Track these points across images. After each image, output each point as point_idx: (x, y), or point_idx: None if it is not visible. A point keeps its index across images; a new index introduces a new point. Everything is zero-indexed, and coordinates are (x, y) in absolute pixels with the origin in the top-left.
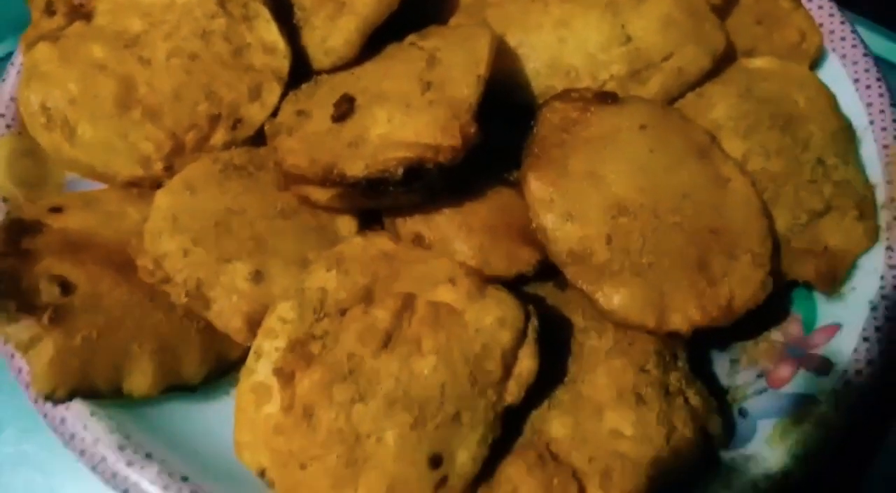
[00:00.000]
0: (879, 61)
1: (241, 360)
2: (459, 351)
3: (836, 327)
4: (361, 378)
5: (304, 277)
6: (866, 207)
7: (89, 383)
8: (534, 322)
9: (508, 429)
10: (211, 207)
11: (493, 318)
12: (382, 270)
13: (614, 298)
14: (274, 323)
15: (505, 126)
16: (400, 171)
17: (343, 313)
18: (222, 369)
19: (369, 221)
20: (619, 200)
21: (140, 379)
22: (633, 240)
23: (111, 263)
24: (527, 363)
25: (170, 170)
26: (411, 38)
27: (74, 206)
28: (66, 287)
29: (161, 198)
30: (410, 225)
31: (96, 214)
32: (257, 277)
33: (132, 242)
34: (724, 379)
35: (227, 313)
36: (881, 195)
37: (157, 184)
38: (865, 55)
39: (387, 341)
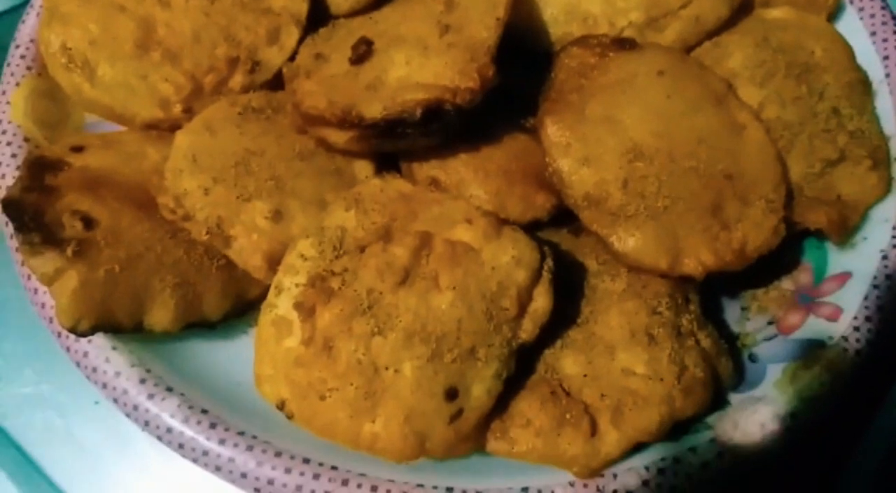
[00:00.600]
0: None
1: (260, 300)
2: (476, 288)
3: (846, 276)
4: (380, 312)
5: (323, 216)
6: (880, 158)
7: (112, 317)
8: (549, 263)
9: (522, 366)
10: (230, 147)
11: (509, 257)
12: (400, 210)
13: (629, 241)
14: (294, 260)
15: (522, 72)
16: (418, 112)
17: (362, 250)
18: (241, 307)
19: (386, 165)
20: (636, 144)
21: (161, 314)
22: (649, 184)
23: (132, 200)
24: (542, 302)
25: (189, 112)
26: None
27: (95, 146)
28: (88, 222)
29: (181, 138)
30: (427, 169)
31: (117, 154)
32: (277, 215)
33: (153, 179)
34: (734, 326)
35: (247, 251)
36: (895, 147)
37: (176, 126)
38: (883, 8)
39: (405, 277)
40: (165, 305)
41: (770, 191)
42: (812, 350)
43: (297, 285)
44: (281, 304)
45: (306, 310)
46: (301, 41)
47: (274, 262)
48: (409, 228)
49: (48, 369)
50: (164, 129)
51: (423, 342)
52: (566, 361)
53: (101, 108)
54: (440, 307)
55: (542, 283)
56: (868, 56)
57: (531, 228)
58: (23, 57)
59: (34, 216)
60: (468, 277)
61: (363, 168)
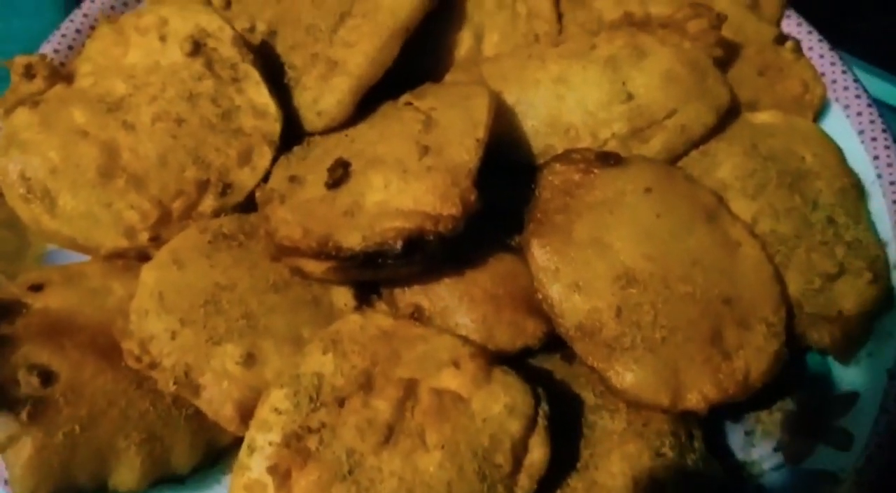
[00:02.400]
0: (880, 105)
1: (233, 446)
2: (466, 444)
3: (854, 396)
4: (362, 477)
5: (298, 360)
6: (879, 269)
7: (72, 482)
8: (544, 407)
9: None
10: (199, 282)
11: (502, 405)
12: (382, 351)
13: (627, 376)
14: (267, 414)
15: (504, 185)
16: (399, 244)
17: (341, 403)
18: (213, 456)
19: (366, 290)
20: (628, 269)
21: (126, 474)
22: (644, 312)
23: (95, 347)
24: (538, 454)
25: (156, 240)
26: (406, 96)
27: (55, 282)
28: (46, 377)
29: (147, 273)
30: (409, 296)
31: (79, 292)
32: (249, 359)
33: (117, 322)
34: (739, 453)
35: (217, 401)
36: (893, 253)
37: (143, 254)
38: (869, 106)
39: (388, 436)
40: (131, 463)
41: (770, 313)
42: (823, 485)
43: (270, 444)
44: (254, 465)
45: (281, 474)
46: (274, 161)
47: (247, 411)
48: (392, 375)
49: None
50: (130, 257)
51: None
52: None
53: (63, 239)
54: (428, 470)
55: (537, 431)
56: (857, 156)
57: (522, 356)
58: None
59: None
60: (457, 432)
61: (342, 296)
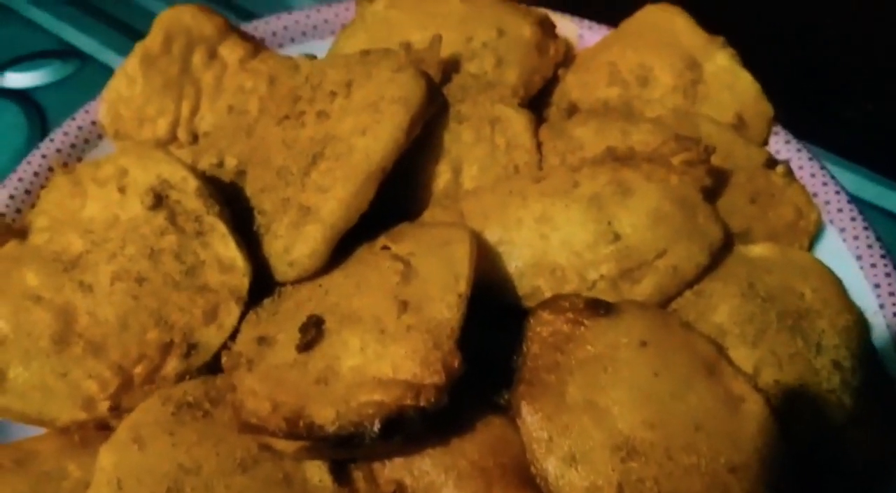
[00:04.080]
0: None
1: None
2: None
3: None
4: None
5: None
6: (892, 414)
7: None
8: None
9: None
10: (161, 465)
11: None
12: None
13: None
14: None
15: (488, 331)
16: (376, 425)
17: None
18: None
19: (342, 463)
20: (627, 438)
21: None
22: (647, 489)
23: None
24: None
25: (117, 409)
26: (383, 240)
27: (4, 467)
28: None
29: (105, 457)
30: (390, 471)
31: (30, 478)
32: None
33: None
34: None
35: None
36: None
37: (102, 424)
38: (866, 229)
39: None
40: None
41: (778, 479)
42: None
43: None
44: None
45: None
46: (242, 316)
47: None
48: None
49: None
50: (88, 428)
51: None
52: None
53: (13, 414)
54: None
55: None
56: (856, 284)
57: None
58: None
59: None
60: None
61: (316, 472)
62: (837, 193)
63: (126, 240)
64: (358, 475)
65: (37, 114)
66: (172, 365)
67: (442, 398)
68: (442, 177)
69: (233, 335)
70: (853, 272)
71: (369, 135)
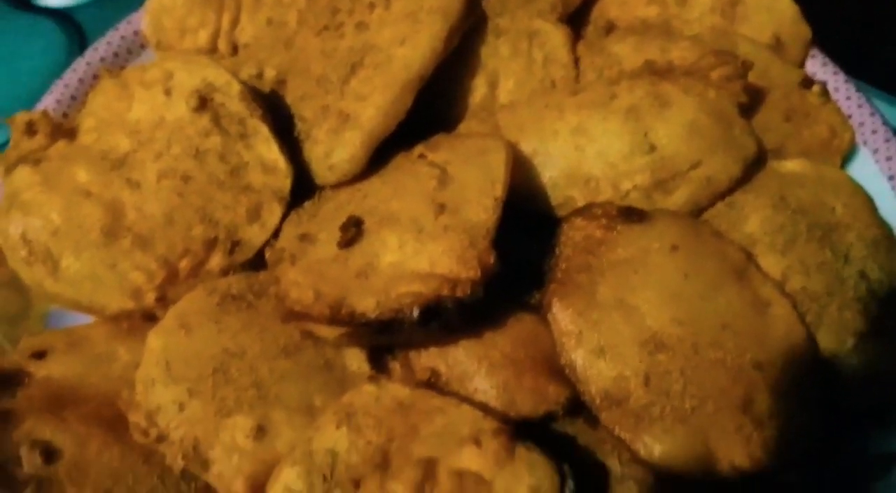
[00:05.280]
0: None
1: None
2: None
3: (891, 458)
4: None
5: (311, 434)
6: None
7: None
8: (570, 485)
9: None
10: (208, 349)
11: (525, 487)
12: (398, 425)
13: (656, 448)
14: None
15: (522, 238)
16: (415, 311)
17: (357, 484)
18: None
19: (380, 351)
20: (655, 333)
21: None
22: (674, 380)
23: (100, 419)
24: None
25: (163, 300)
26: (420, 148)
27: (59, 349)
28: (50, 455)
29: (153, 340)
30: (425, 359)
31: (83, 358)
32: (260, 432)
33: (123, 393)
34: None
35: (227, 476)
36: None
37: (149, 314)
38: None
39: None
40: None
41: (803, 377)
42: None
43: None
44: None
45: None
46: (284, 217)
47: (258, 487)
48: (409, 451)
49: None
50: (136, 318)
51: None
52: None
53: (66, 301)
54: None
55: None
56: (888, 204)
57: (544, 421)
58: None
59: None
60: None
61: (355, 359)
62: (872, 115)
63: (171, 140)
64: (395, 365)
65: (76, 32)
66: (216, 260)
67: (477, 291)
68: (478, 90)
69: (275, 235)
70: (885, 192)
71: (408, 44)
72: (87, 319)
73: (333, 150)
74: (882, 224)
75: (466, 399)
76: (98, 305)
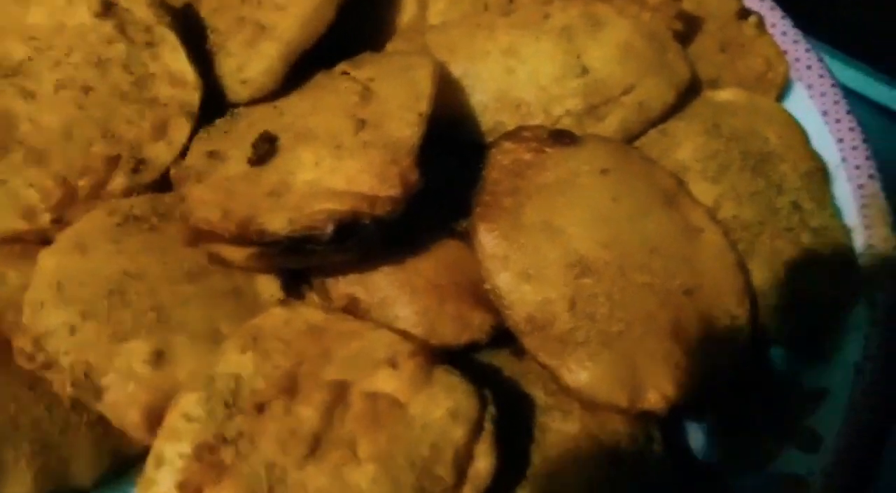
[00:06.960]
0: (848, 93)
1: (142, 455)
2: (404, 456)
3: (821, 393)
4: None
5: (214, 359)
6: (846, 258)
7: None
8: (491, 411)
9: None
10: (105, 270)
11: (444, 410)
12: (310, 349)
13: (581, 374)
14: (177, 421)
15: (449, 165)
16: (330, 227)
17: (261, 409)
18: (119, 466)
19: (296, 279)
20: (581, 256)
21: (17, 490)
22: (600, 304)
23: None
24: (484, 463)
25: (59, 222)
26: (343, 65)
27: None
28: None
29: (45, 260)
30: (343, 286)
31: None
32: (158, 358)
33: (7, 316)
34: (700, 456)
35: (121, 405)
36: (858, 240)
37: (45, 238)
38: (833, 86)
39: (315, 447)
40: (22, 479)
41: (733, 305)
42: (790, 490)
43: (180, 456)
44: (162, 480)
45: (192, 491)
46: (193, 134)
47: (155, 417)
48: (320, 376)
49: None
50: (30, 241)
51: None
52: None
53: None
54: (359, 485)
55: (483, 438)
56: (821, 138)
57: (467, 351)
58: None
59: None
60: (393, 442)
61: (268, 286)
62: (807, 50)
63: (72, 48)
64: (311, 294)
65: None
66: (119, 180)
67: (397, 209)
68: (407, 10)
69: (182, 154)
70: (818, 126)
71: None
72: None
73: (248, 62)
74: (815, 157)
75: (385, 326)
76: None
